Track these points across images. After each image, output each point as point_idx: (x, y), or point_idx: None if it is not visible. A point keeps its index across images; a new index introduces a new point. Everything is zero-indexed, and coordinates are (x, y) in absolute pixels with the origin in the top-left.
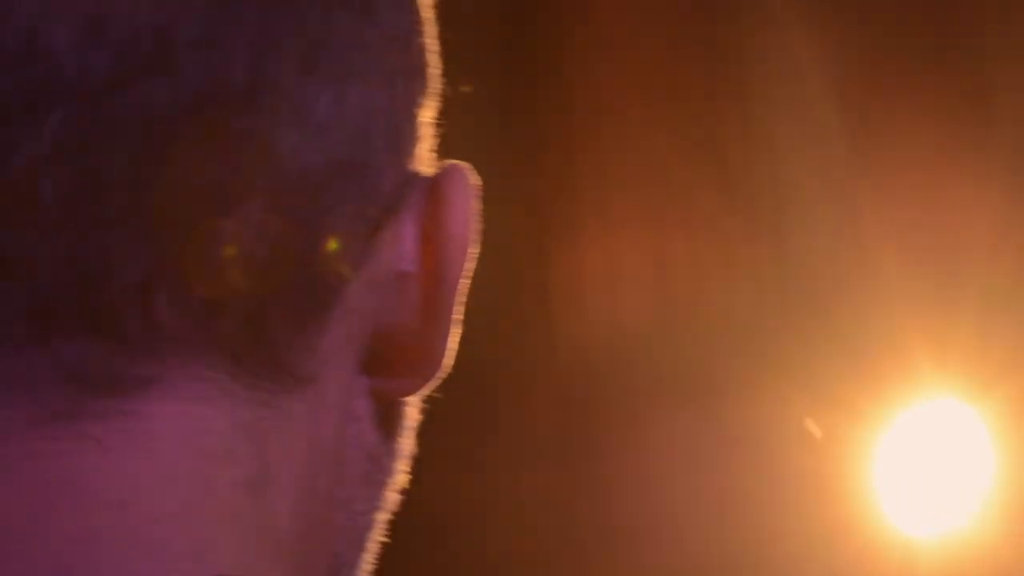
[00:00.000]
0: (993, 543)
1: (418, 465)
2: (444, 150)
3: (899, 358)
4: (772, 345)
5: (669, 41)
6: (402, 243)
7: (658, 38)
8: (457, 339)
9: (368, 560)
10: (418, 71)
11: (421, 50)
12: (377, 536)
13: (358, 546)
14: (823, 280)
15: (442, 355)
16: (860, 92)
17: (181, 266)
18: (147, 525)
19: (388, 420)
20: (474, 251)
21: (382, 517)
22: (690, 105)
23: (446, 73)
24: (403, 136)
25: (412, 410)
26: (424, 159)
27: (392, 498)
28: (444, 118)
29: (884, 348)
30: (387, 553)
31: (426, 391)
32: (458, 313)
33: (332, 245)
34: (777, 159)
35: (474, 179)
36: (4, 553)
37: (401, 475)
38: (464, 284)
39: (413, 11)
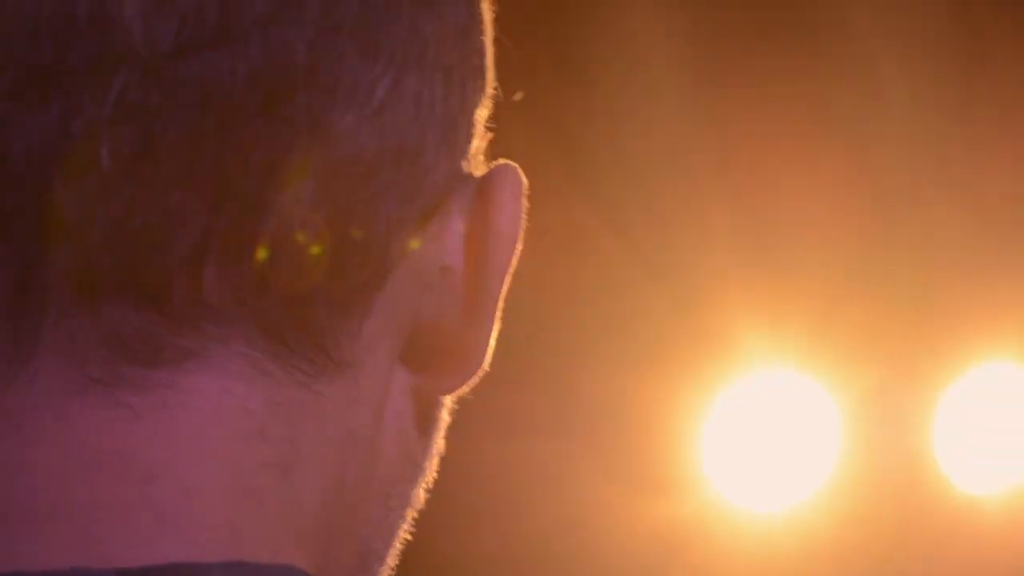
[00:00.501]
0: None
1: None
2: None
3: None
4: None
5: (513, 24)
6: (448, 238)
7: (502, 19)
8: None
9: (394, 555)
10: (475, 69)
11: (479, 49)
12: (405, 532)
13: (388, 540)
14: (663, 261)
15: (482, 353)
16: (707, 74)
17: (231, 240)
18: (173, 499)
19: (424, 416)
20: (519, 251)
21: (411, 514)
22: (536, 88)
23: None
24: (456, 130)
25: (445, 409)
26: (475, 156)
27: (422, 495)
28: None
29: (708, 328)
30: None
31: (463, 389)
32: (500, 312)
33: (380, 230)
34: (623, 142)
35: (524, 179)
36: (32, 517)
37: (431, 473)
38: (507, 283)
39: (473, 9)
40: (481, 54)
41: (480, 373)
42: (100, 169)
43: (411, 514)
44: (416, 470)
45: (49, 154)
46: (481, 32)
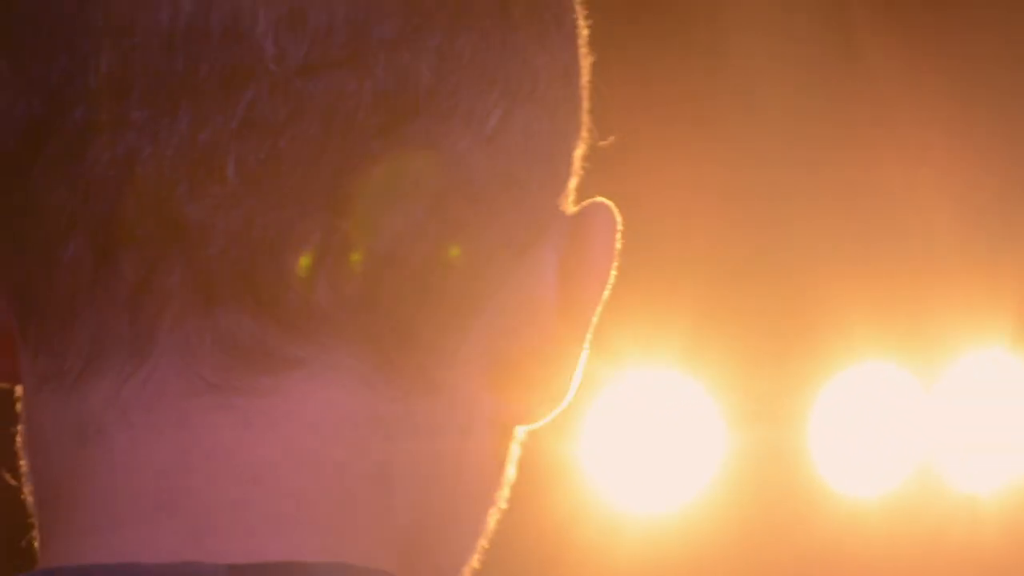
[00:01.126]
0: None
1: None
2: None
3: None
4: None
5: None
6: (543, 270)
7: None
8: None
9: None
10: (576, 108)
11: (580, 89)
12: (475, 560)
13: (461, 565)
14: None
15: (568, 387)
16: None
17: (345, 253)
18: (278, 501)
19: (501, 444)
20: (609, 288)
21: (483, 542)
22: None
23: None
24: (558, 165)
25: (518, 440)
26: (571, 194)
27: (492, 524)
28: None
29: None
30: None
31: (545, 420)
32: (586, 348)
33: (483, 256)
34: None
35: (618, 218)
36: (143, 510)
37: (503, 503)
38: (595, 320)
39: (577, 51)
40: (581, 95)
41: (563, 406)
42: (224, 179)
43: (482, 542)
44: (490, 498)
45: (176, 162)
46: (582, 74)
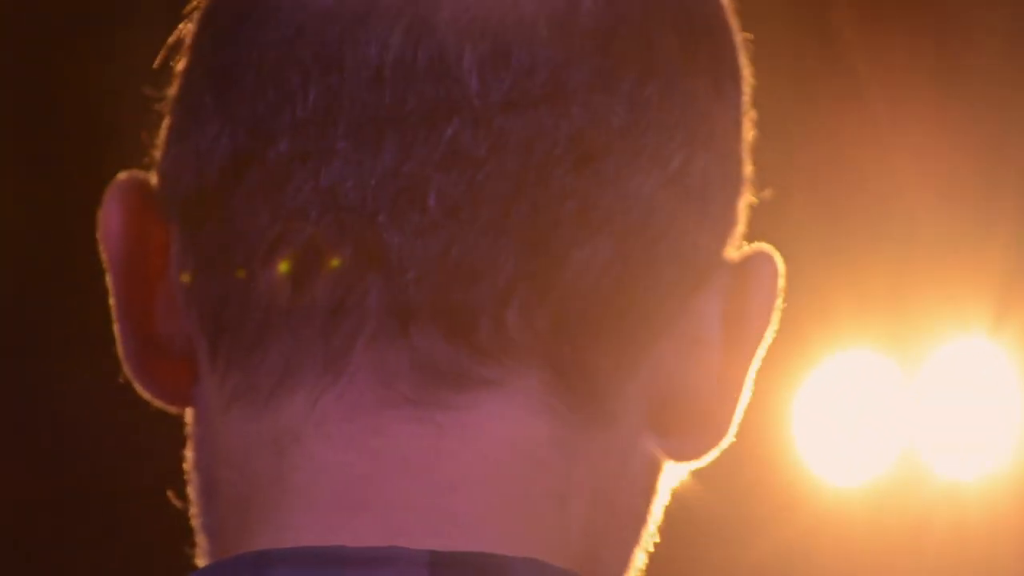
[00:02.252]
0: (900, 495)
1: None
2: None
3: None
4: None
5: None
6: (708, 313)
7: None
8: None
9: None
10: (743, 159)
11: (746, 141)
12: None
13: None
14: None
15: (728, 427)
16: None
17: (536, 284)
18: (470, 510)
19: (658, 481)
20: (772, 334)
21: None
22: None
23: None
24: (729, 211)
25: (669, 483)
26: (736, 240)
27: (639, 562)
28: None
29: None
30: None
31: (702, 460)
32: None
33: (659, 295)
34: None
35: (781, 266)
36: (341, 512)
37: (651, 541)
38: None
39: (745, 106)
40: (747, 147)
41: (721, 447)
42: (426, 209)
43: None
44: (640, 533)
45: (379, 192)
46: (747, 127)
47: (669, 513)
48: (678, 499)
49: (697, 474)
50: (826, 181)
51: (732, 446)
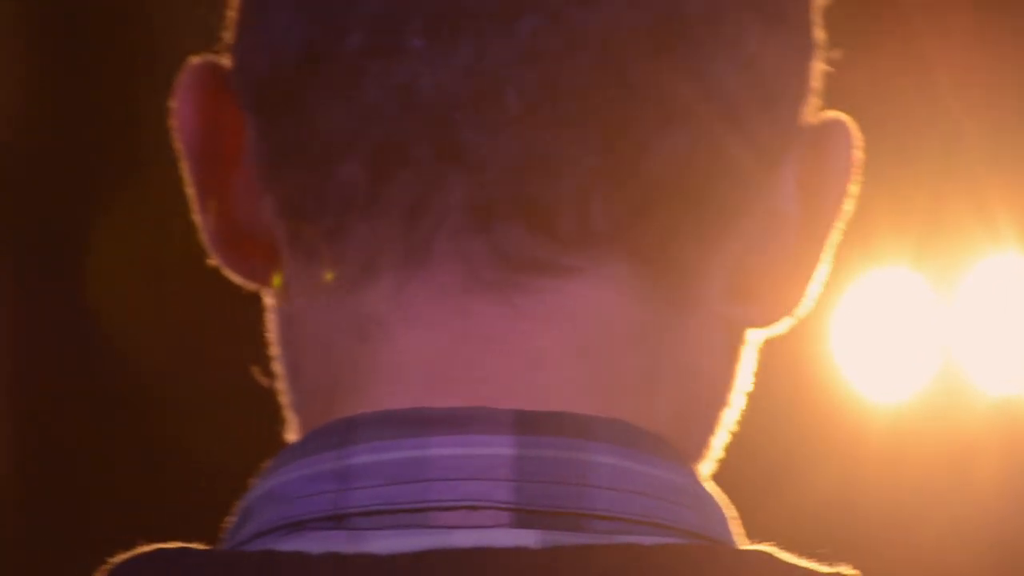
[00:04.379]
0: (943, 410)
1: None
2: None
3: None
4: None
5: None
6: (786, 185)
7: None
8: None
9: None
10: (814, 24)
11: (816, 9)
12: (715, 461)
13: (703, 462)
14: None
15: (803, 295)
16: None
17: (618, 173)
18: (556, 383)
19: (741, 351)
20: (850, 202)
21: (721, 447)
22: None
23: None
24: (804, 81)
25: (755, 348)
26: (812, 106)
27: (731, 428)
28: None
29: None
30: None
31: (776, 329)
32: (824, 261)
33: (740, 174)
34: None
35: (858, 133)
36: (426, 388)
37: (739, 406)
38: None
39: None
40: (817, 14)
41: (798, 315)
42: (505, 106)
43: (721, 447)
44: (730, 402)
45: (458, 90)
46: None
47: None
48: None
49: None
50: (864, 99)
51: (772, 363)
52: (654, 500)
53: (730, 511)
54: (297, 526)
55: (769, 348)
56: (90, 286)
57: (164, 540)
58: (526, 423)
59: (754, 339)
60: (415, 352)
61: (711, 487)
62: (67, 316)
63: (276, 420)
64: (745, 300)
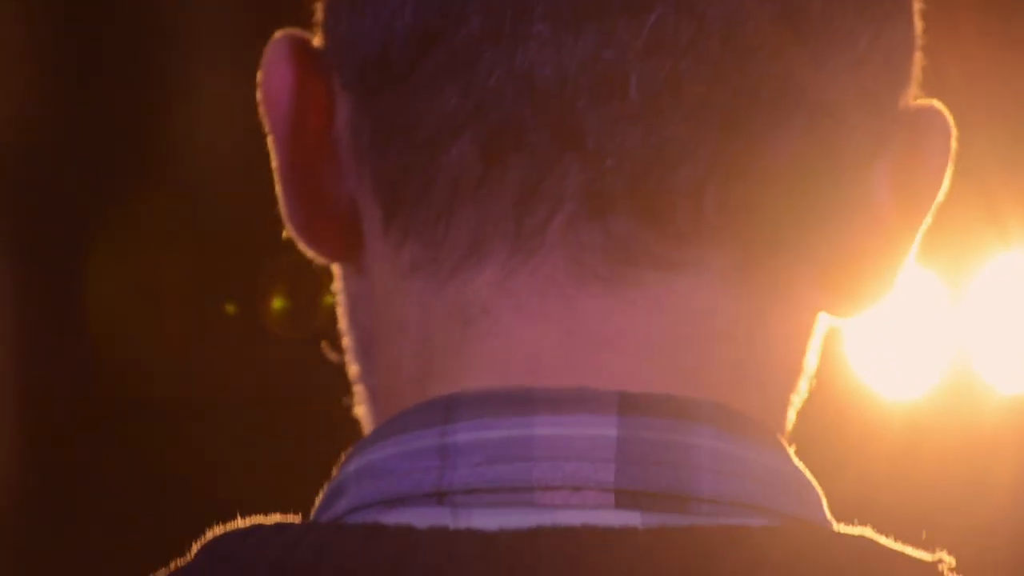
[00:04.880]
0: (956, 408)
1: None
2: None
3: None
4: None
5: None
6: (880, 174)
7: None
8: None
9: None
10: (915, 15)
11: None
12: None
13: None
14: None
15: (892, 284)
16: None
17: (735, 166)
18: (665, 376)
19: (817, 335)
20: (944, 192)
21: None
22: None
23: None
24: (908, 74)
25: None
26: (910, 95)
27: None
28: None
29: None
30: None
31: (862, 316)
32: (914, 251)
33: (844, 167)
34: None
35: (951, 123)
36: (532, 375)
37: (807, 391)
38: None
39: None
40: (917, 6)
41: (882, 304)
42: (626, 96)
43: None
44: (802, 386)
45: (579, 78)
46: None
47: None
48: None
49: None
50: None
51: None
52: (755, 483)
53: (822, 495)
54: (397, 502)
55: None
56: (92, 289)
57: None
58: (630, 404)
59: (829, 326)
60: (520, 342)
61: (805, 471)
62: (71, 318)
63: (277, 425)
64: (834, 289)
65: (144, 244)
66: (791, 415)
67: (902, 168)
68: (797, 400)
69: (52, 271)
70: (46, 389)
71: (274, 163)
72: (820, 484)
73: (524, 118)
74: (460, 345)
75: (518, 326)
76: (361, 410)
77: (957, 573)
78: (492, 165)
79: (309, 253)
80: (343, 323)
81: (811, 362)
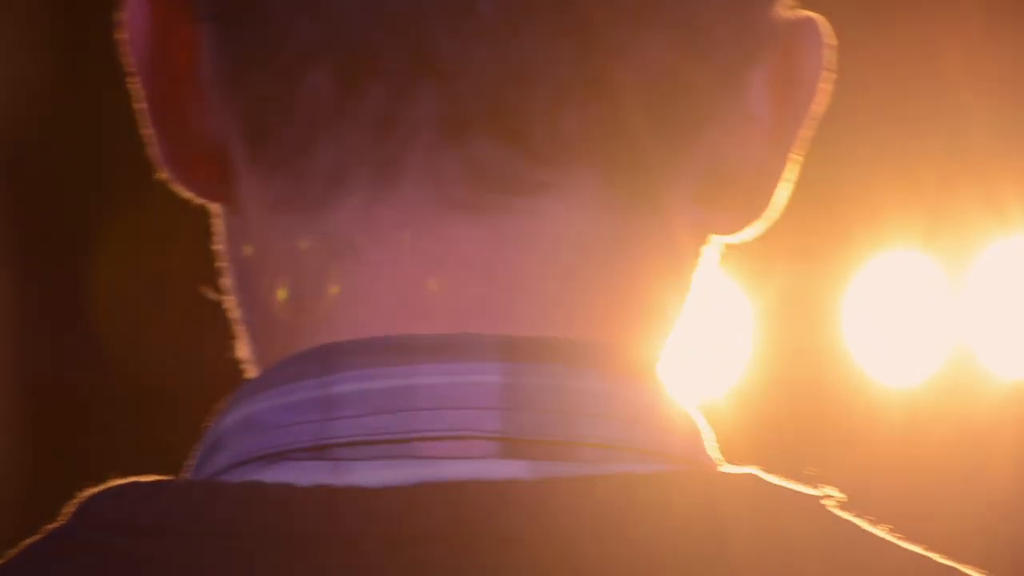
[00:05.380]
0: (954, 394)
1: None
2: None
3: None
4: None
5: None
6: (755, 86)
7: None
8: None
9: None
10: None
11: None
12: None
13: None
14: None
15: (769, 203)
16: None
17: (593, 81)
18: (536, 308)
19: (701, 256)
20: (822, 100)
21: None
22: None
23: None
24: None
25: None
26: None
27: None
28: None
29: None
30: None
31: (748, 233)
32: (794, 162)
33: (711, 79)
34: None
35: (828, 31)
36: (404, 316)
37: (691, 309)
38: (807, 133)
39: None
40: None
41: (769, 219)
42: (479, 14)
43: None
44: (684, 308)
45: None
46: None
47: (723, 419)
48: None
49: (752, 374)
50: (875, 80)
51: (784, 344)
52: (642, 427)
53: (711, 432)
54: (277, 456)
55: (781, 332)
56: (94, 282)
57: None
58: (513, 349)
59: (717, 246)
60: (390, 278)
61: (693, 409)
62: (72, 313)
63: None
64: (714, 206)
65: (147, 237)
66: (670, 335)
67: (778, 80)
68: (679, 320)
69: (54, 265)
70: (47, 381)
71: (140, 103)
72: (821, 471)
73: (378, 43)
74: (327, 282)
75: (385, 261)
76: (242, 350)
77: (843, 508)
78: (349, 93)
79: (184, 192)
80: (221, 261)
81: (697, 282)
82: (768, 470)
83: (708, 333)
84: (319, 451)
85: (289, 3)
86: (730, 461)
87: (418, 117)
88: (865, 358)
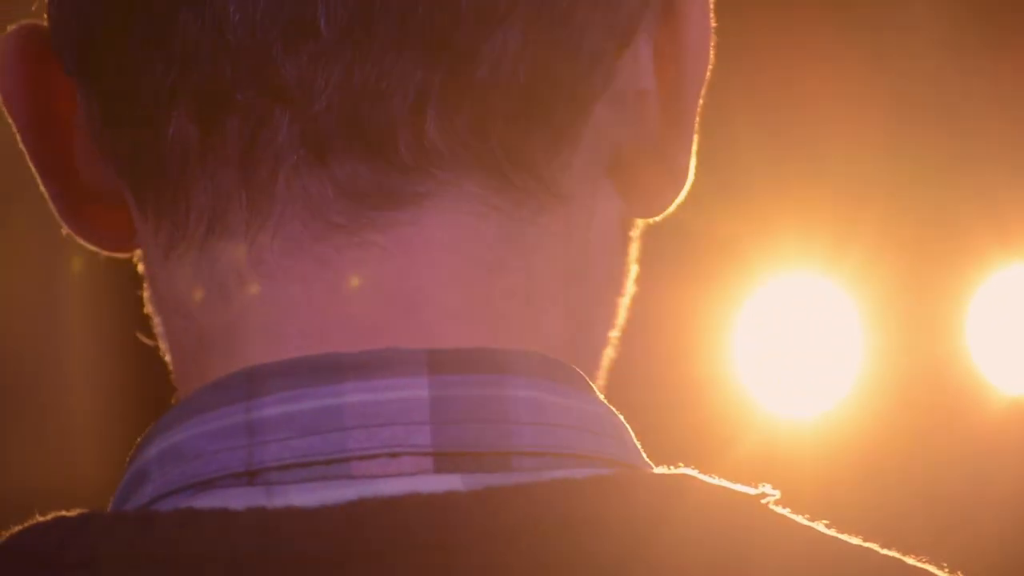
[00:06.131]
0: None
1: None
2: None
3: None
4: None
5: None
6: (641, 61)
7: None
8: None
9: (603, 375)
10: None
11: None
12: (612, 350)
13: (600, 363)
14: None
15: (685, 170)
16: None
17: (448, 89)
18: (440, 322)
19: (627, 240)
20: (711, 64)
21: (616, 336)
22: None
23: None
24: None
25: (637, 235)
26: None
27: (623, 319)
28: None
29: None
30: None
31: (668, 210)
32: (696, 129)
33: (583, 65)
34: None
35: None
36: (308, 341)
37: (628, 294)
38: (702, 98)
39: None
40: None
41: (684, 191)
42: (318, 34)
43: (616, 333)
44: (620, 293)
45: (267, 24)
46: None
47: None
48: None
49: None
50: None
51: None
52: (575, 432)
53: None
54: (206, 484)
55: (906, 343)
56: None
57: None
58: (437, 362)
59: (639, 230)
60: (283, 308)
61: (611, 408)
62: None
63: None
64: (627, 189)
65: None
66: (608, 332)
67: (664, 50)
68: (621, 302)
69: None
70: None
71: (30, 162)
72: (937, 479)
73: (227, 76)
74: (229, 322)
75: (276, 293)
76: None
77: (780, 506)
78: (209, 131)
79: (90, 246)
80: (148, 310)
81: (627, 264)
82: (885, 483)
83: (819, 342)
84: (250, 476)
85: (142, 49)
86: (848, 473)
87: (279, 145)
88: (990, 366)
